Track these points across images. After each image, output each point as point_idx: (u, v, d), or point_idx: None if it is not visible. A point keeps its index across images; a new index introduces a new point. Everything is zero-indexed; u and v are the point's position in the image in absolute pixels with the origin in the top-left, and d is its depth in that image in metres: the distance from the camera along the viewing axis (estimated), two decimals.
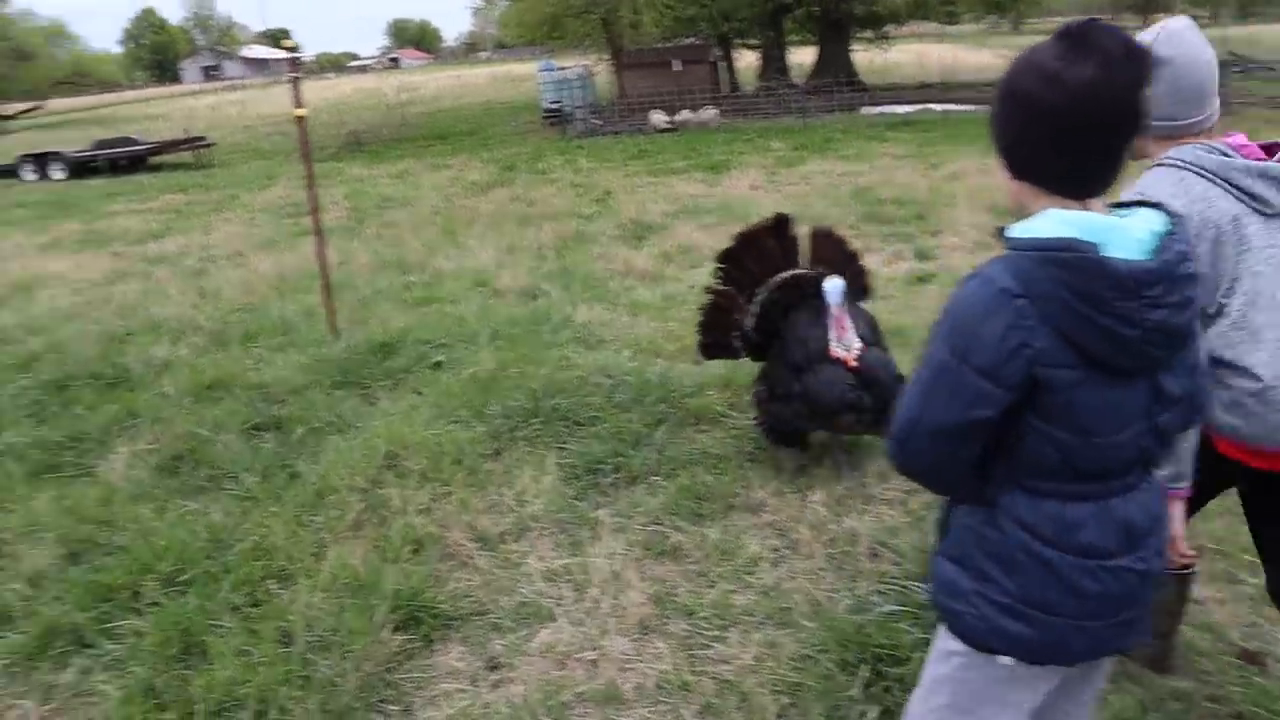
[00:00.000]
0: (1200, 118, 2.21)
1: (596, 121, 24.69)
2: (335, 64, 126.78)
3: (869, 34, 32.29)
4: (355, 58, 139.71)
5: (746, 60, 33.14)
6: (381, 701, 3.03)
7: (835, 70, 28.25)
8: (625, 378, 4.99)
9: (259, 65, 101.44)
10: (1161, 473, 1.81)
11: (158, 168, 23.29)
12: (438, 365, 5.53)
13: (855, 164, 14.33)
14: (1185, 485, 2.16)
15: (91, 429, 4.98)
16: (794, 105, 23.39)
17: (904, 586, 3.28)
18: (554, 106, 24.93)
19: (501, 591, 3.51)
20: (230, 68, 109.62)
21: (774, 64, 29.44)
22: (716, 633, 3.19)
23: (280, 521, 3.87)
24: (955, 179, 11.94)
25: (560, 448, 4.46)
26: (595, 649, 3.18)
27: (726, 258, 4.45)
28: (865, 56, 31.65)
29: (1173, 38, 2.17)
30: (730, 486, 4.05)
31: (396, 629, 3.26)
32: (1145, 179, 2.19)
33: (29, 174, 22.43)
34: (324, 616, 3.29)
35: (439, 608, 3.37)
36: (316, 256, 6.19)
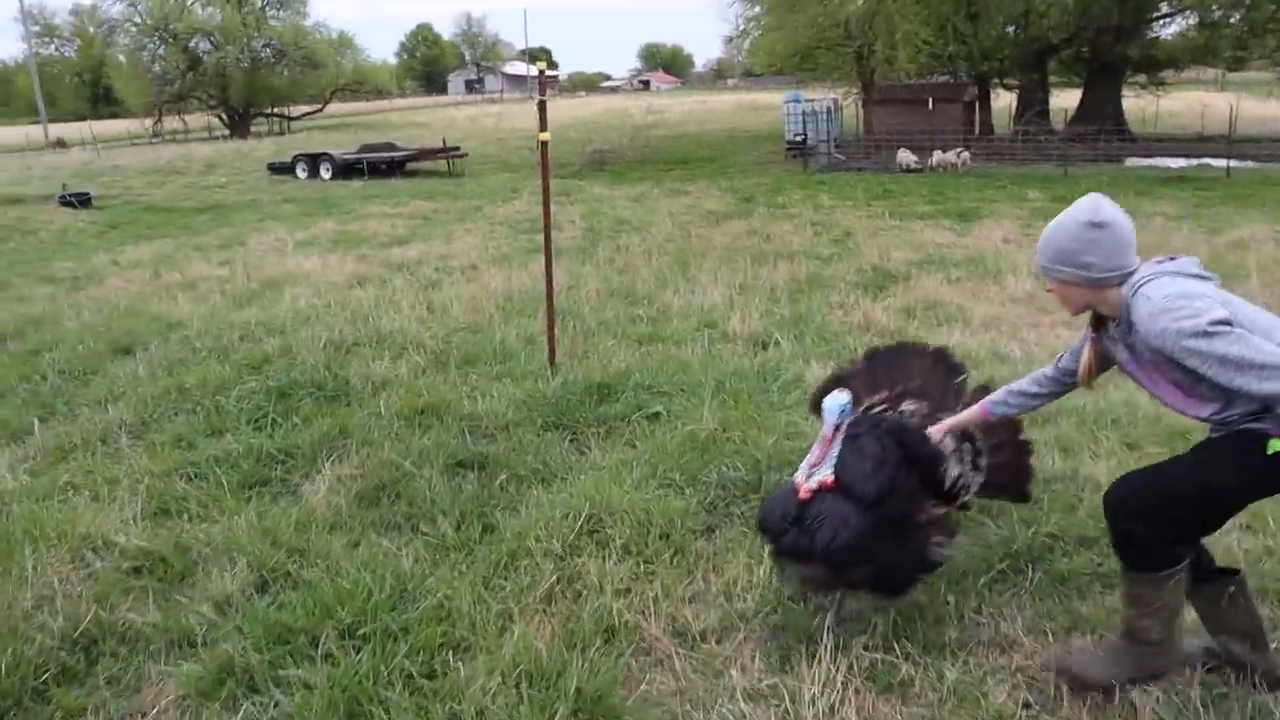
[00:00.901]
0: (1135, 258, 2.68)
1: (840, 156, 24.04)
2: (588, 83, 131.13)
3: (1142, 78, 30.02)
4: (607, 78, 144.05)
5: (1003, 101, 31.53)
6: None
7: (1101, 117, 26.36)
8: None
9: (518, 81, 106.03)
10: None
11: (413, 173, 24.48)
12: (655, 416, 5.16)
13: None
14: None
15: (304, 444, 4.92)
16: (1053, 152, 21.93)
17: None
18: (798, 139, 24.43)
19: (697, 705, 3.06)
20: (491, 82, 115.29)
21: (1033, 106, 27.82)
22: None
23: (468, 582, 3.59)
24: (1242, 247, 10.61)
25: None
26: None
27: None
28: (1136, 103, 29.43)
29: (1101, 206, 2.67)
30: (973, 611, 3.45)
31: None
32: (1162, 284, 2.58)
33: (301, 172, 24.09)
34: (499, 708, 2.94)
35: (627, 714, 2.96)
36: (545, 285, 5.97)
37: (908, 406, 3.63)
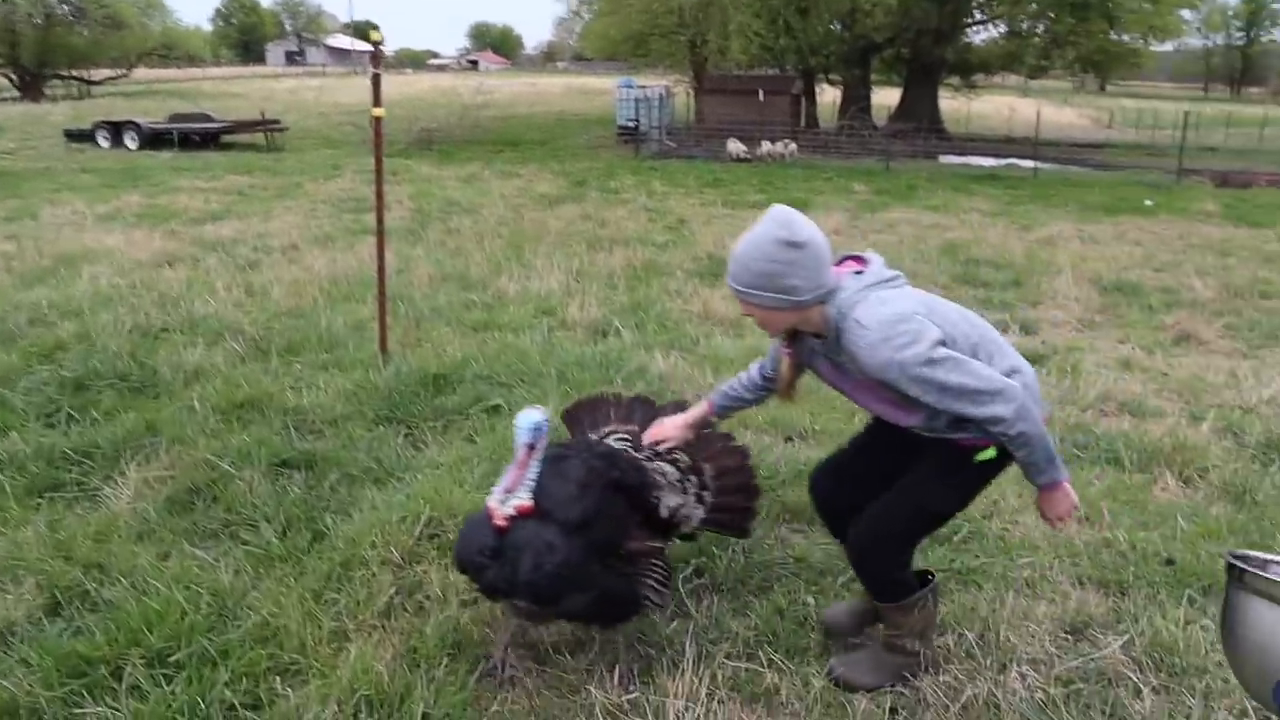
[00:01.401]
0: (833, 272, 2.55)
1: (671, 144, 24.16)
2: (415, 60, 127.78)
3: (956, 80, 31.56)
4: (436, 56, 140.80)
5: (828, 96, 32.47)
6: None
7: (919, 115, 27.56)
8: None
9: (341, 55, 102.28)
10: None
11: (229, 146, 23.14)
12: (495, 409, 4.88)
13: (942, 216, 13.61)
14: None
15: (104, 443, 4.40)
16: (875, 147, 22.71)
17: None
18: (630, 124, 24.41)
19: None
20: (313, 54, 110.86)
21: (857, 102, 28.79)
22: None
23: (296, 597, 3.25)
24: (1052, 244, 11.19)
25: None
26: None
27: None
28: (951, 104, 30.87)
29: (794, 222, 2.47)
30: None
31: None
32: (872, 308, 2.48)
33: (103, 141, 22.36)
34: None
35: None
36: (376, 268, 5.60)
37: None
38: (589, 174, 17.52)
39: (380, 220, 5.55)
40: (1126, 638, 3.27)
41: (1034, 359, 6.38)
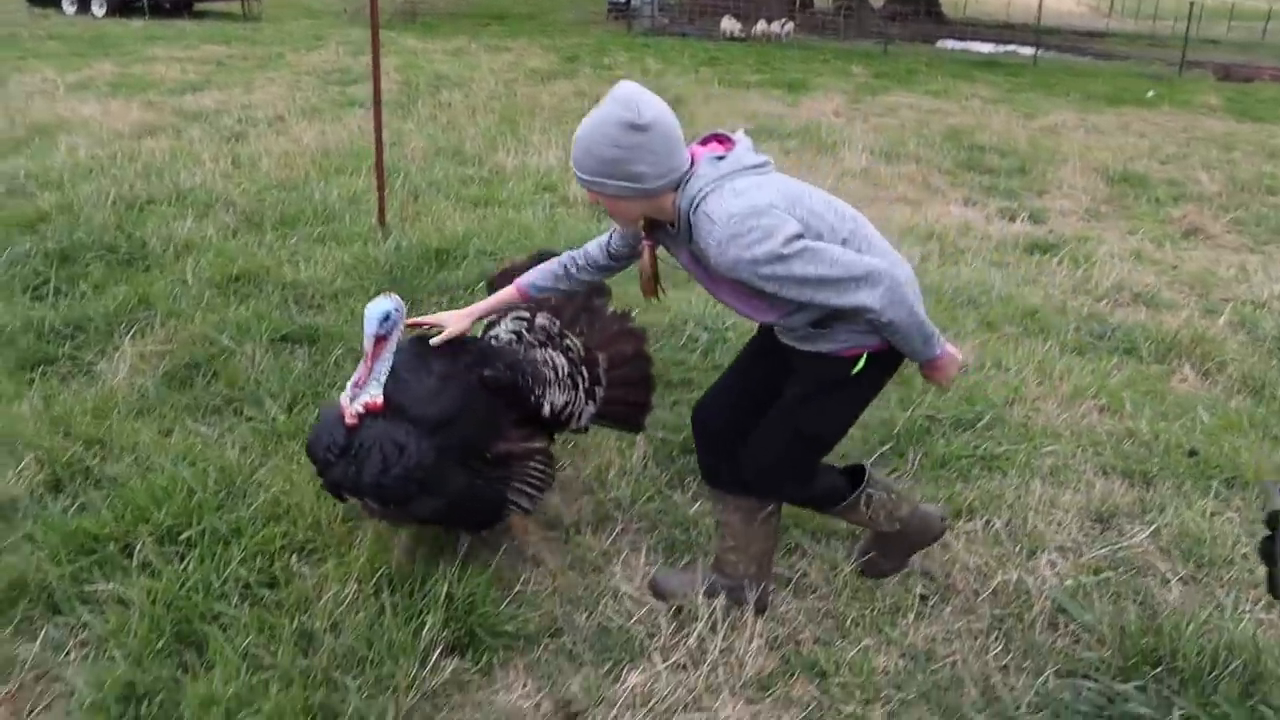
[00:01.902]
0: (686, 155, 2.30)
1: (664, 20, 23.42)
2: None
3: None
4: None
5: None
6: None
7: None
8: (725, 332, 4.19)
9: None
10: None
11: (202, 15, 22.24)
12: None
13: (943, 102, 13.27)
14: None
15: (96, 316, 4.24)
16: (873, 30, 22.09)
17: (1096, 679, 2.55)
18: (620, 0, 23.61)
19: (578, 606, 2.80)
20: None
21: None
22: (856, 709, 2.48)
23: (307, 474, 3.14)
24: (1055, 133, 10.94)
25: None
26: (701, 709, 2.47)
27: None
28: None
29: (640, 102, 2.21)
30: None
31: (449, 650, 2.55)
32: (725, 200, 2.22)
33: (69, 6, 21.38)
34: (358, 620, 2.58)
35: (501, 627, 2.66)
36: (369, 140, 5.36)
37: (541, 320, 3.08)
38: (580, 50, 16.95)
39: (377, 88, 5.29)
40: (1153, 528, 3.23)
41: (1043, 248, 6.27)
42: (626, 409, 3.18)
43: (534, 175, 7.17)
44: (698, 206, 2.26)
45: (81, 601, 2.71)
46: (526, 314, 3.10)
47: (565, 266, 2.73)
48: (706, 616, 2.71)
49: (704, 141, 2.38)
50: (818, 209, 2.32)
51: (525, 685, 2.55)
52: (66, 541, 2.84)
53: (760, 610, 2.77)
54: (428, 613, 2.57)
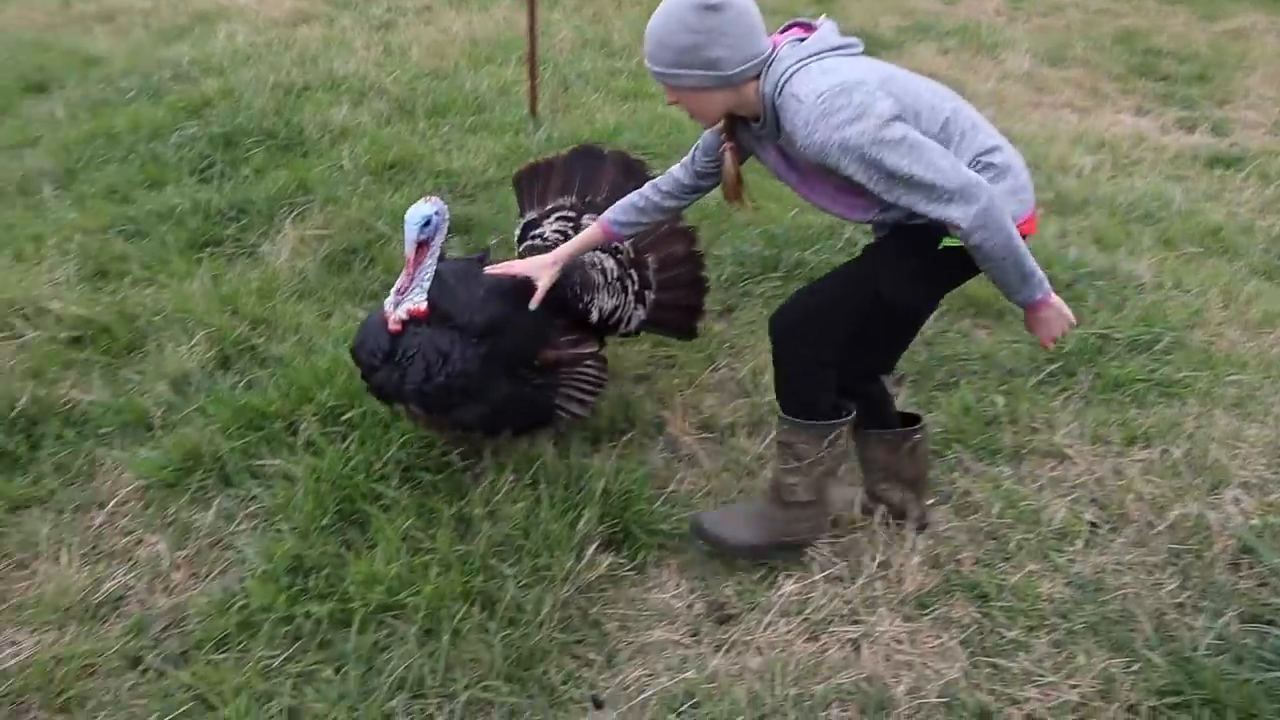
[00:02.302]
0: (767, 39, 2.14)
1: None
2: None
3: None
4: None
5: None
6: (578, 643, 2.35)
7: None
8: None
9: None
10: None
11: None
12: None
13: (1111, 1, 12.33)
14: None
15: (258, 199, 4.32)
16: None
17: None
18: None
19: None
20: None
21: None
22: (1019, 634, 2.38)
23: None
24: (1242, 37, 10.02)
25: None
26: (857, 623, 2.41)
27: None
28: None
29: None
30: (1025, 416, 3.14)
31: (604, 546, 2.54)
32: (813, 78, 2.05)
33: None
34: (515, 511, 2.59)
35: (656, 525, 2.64)
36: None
37: (588, 221, 2.90)
38: None
39: None
40: None
41: (1226, 162, 5.78)
42: (678, 313, 3.08)
43: None
44: (783, 89, 2.08)
45: (251, 475, 2.81)
46: (572, 214, 3.00)
47: (647, 196, 2.59)
48: (865, 529, 2.64)
49: (784, 30, 2.21)
50: (914, 87, 2.16)
51: (678, 585, 2.54)
52: (236, 417, 2.94)
53: (921, 528, 2.67)
54: (584, 507, 2.57)
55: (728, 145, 2.33)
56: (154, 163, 4.76)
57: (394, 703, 2.16)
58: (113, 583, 2.53)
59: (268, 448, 2.87)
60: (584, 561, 2.46)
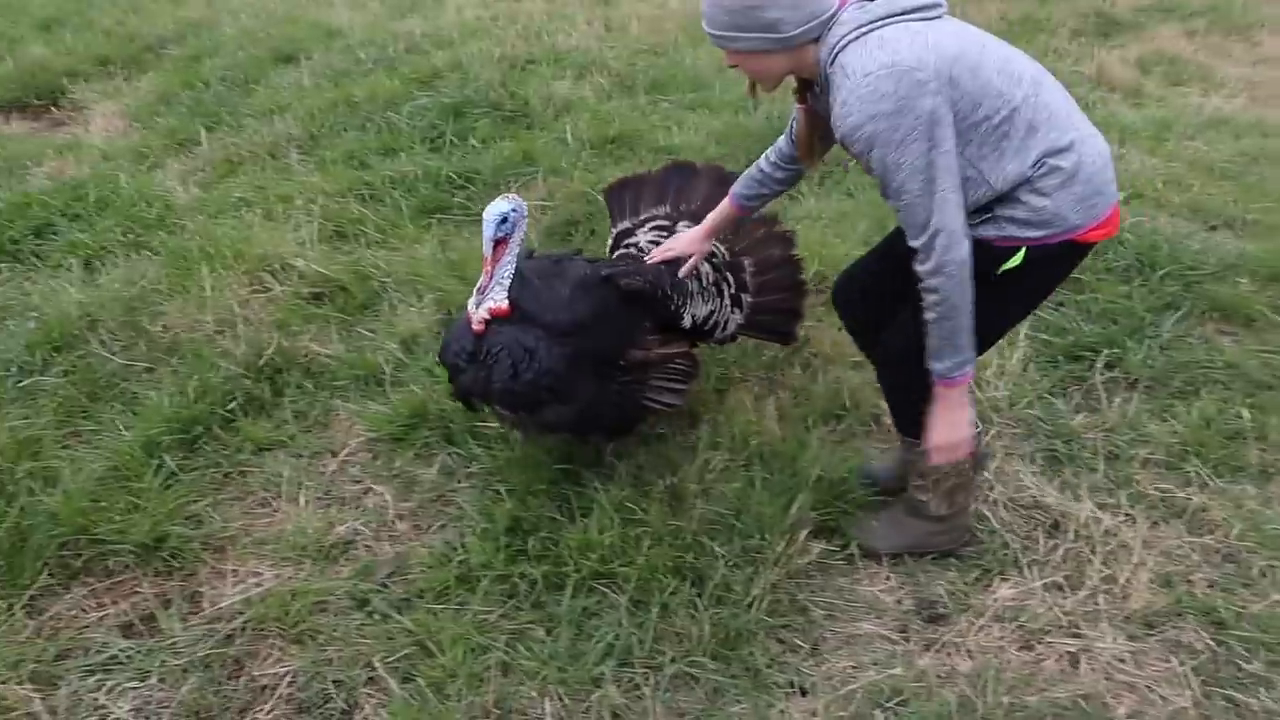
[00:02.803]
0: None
1: None
2: None
3: None
4: None
5: None
6: (785, 628, 2.33)
7: None
8: (1124, 234, 3.76)
9: None
10: None
11: None
12: None
13: None
14: None
15: (484, 169, 4.47)
16: None
17: None
18: None
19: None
20: None
21: None
22: (1260, 669, 2.20)
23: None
24: None
25: (1033, 315, 3.41)
26: (1076, 636, 2.30)
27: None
28: None
29: None
30: (1276, 432, 2.89)
31: (815, 533, 2.51)
32: (868, 51, 1.91)
33: None
34: (729, 492, 2.59)
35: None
36: None
37: (683, 226, 2.88)
38: None
39: None
40: None
41: None
42: (776, 317, 2.95)
43: None
44: (836, 57, 1.97)
45: (472, 436, 2.92)
46: (667, 222, 2.92)
47: (761, 168, 2.55)
48: (1086, 534, 2.50)
49: None
50: (987, 68, 1.96)
51: (888, 579, 2.49)
52: None
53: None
54: (797, 491, 2.54)
55: (799, 107, 2.26)
56: (389, 131, 5.00)
57: (602, 668, 2.21)
58: (343, 527, 2.70)
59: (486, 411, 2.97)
60: (795, 546, 2.43)
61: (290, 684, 2.27)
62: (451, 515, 2.70)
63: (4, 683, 2.24)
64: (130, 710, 2.22)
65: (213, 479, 2.89)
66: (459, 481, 2.82)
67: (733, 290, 2.86)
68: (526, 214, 2.47)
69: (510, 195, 2.49)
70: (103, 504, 2.73)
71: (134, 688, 2.28)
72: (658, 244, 2.83)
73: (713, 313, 2.78)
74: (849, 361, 3.14)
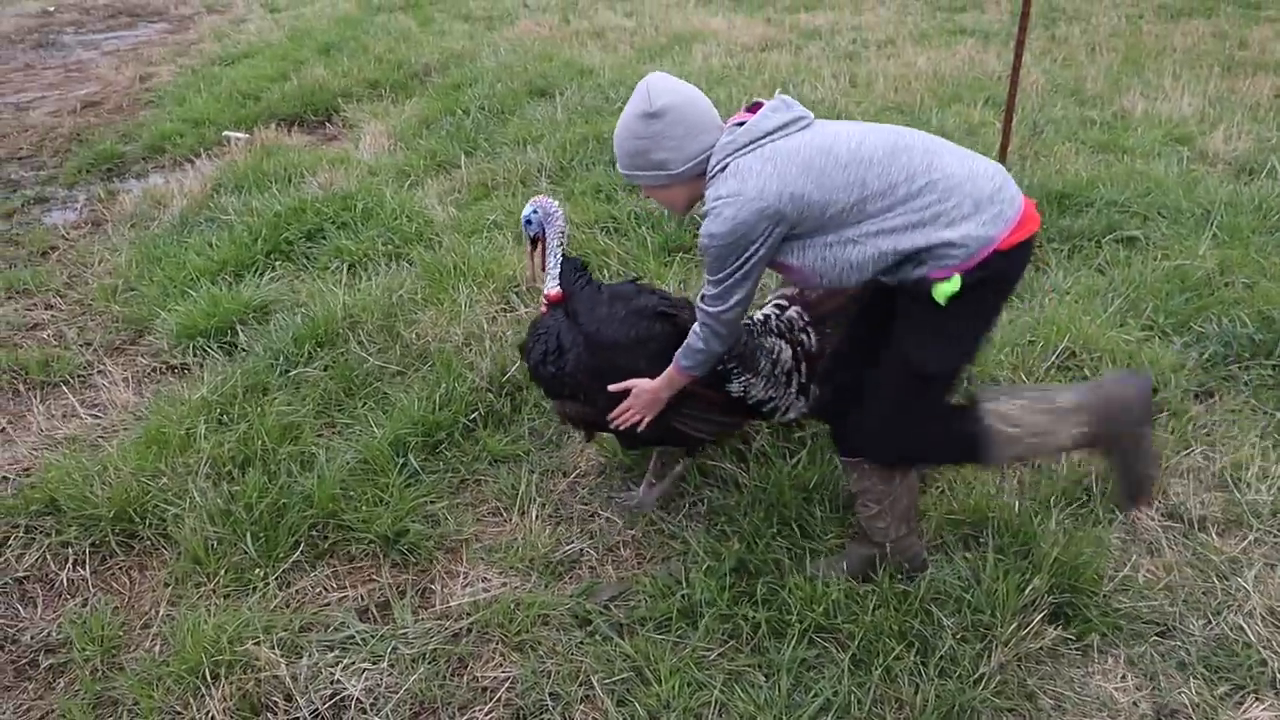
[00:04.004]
0: (718, 131, 2.27)
1: None
2: None
3: None
4: None
5: None
6: (1010, 710, 2.24)
7: None
8: None
9: None
10: None
11: None
12: (1129, 242, 4.32)
13: None
14: None
15: None
16: None
17: None
18: None
19: (1195, 610, 2.50)
20: None
21: None
22: None
23: None
24: None
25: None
26: None
27: None
28: None
29: (653, 92, 2.25)
30: None
31: (1050, 617, 2.41)
32: (724, 182, 2.19)
33: None
34: (959, 559, 2.52)
35: (1110, 601, 2.46)
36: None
37: (791, 312, 2.90)
38: None
39: (1024, 21, 4.99)
40: None
41: None
42: None
43: (1165, 124, 6.43)
44: (710, 182, 2.25)
45: (700, 474, 2.96)
46: (786, 302, 2.93)
47: None
48: None
49: (741, 113, 2.30)
50: (836, 170, 2.13)
51: (1124, 678, 2.35)
52: None
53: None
54: (1033, 572, 2.44)
55: None
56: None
57: None
58: (570, 546, 2.78)
59: (719, 450, 3.00)
60: (1028, 629, 2.34)
61: (510, 689, 2.35)
62: (676, 549, 2.74)
63: (256, 644, 2.42)
64: (362, 689, 2.35)
65: (451, 483, 3.05)
66: (683, 516, 2.86)
67: (802, 380, 2.83)
68: (555, 211, 2.72)
69: (535, 199, 2.75)
70: (351, 493, 2.92)
71: (366, 668, 2.41)
72: (765, 319, 2.89)
73: (772, 399, 2.79)
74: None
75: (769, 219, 2.13)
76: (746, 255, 2.17)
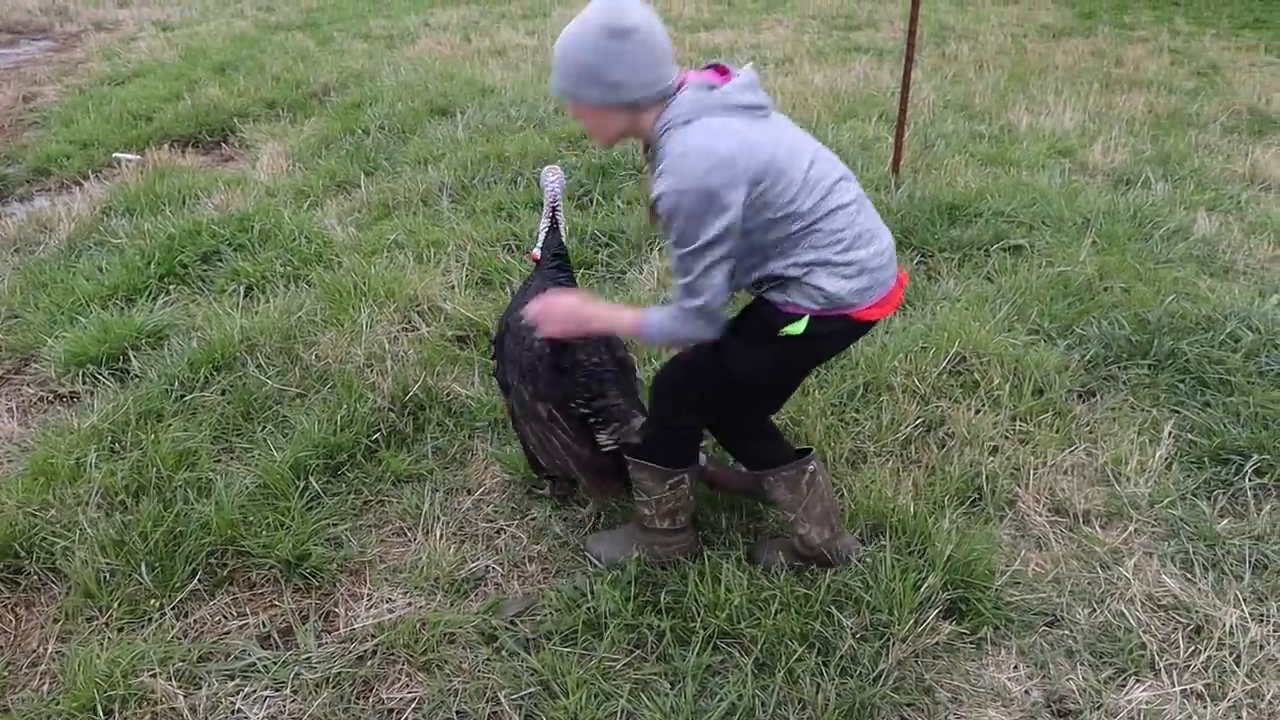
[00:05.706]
0: (676, 70, 2.16)
1: None
2: None
3: None
4: None
5: None
6: (909, 705, 2.30)
7: None
8: (1278, 336, 3.66)
9: None
10: None
11: None
12: (1016, 250, 4.49)
13: None
14: None
15: (629, 229, 4.58)
16: None
17: None
18: None
19: (1081, 600, 2.60)
20: None
21: None
22: None
23: (818, 407, 3.20)
24: None
25: (1176, 412, 3.33)
26: None
27: None
28: None
29: (624, 8, 2.06)
30: None
31: (945, 613, 2.48)
32: (693, 133, 2.06)
33: None
34: (861, 565, 2.58)
35: (1002, 595, 2.55)
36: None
37: None
38: (1098, 6, 15.58)
39: (912, 39, 5.16)
40: None
41: None
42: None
43: (1048, 138, 6.70)
44: (668, 129, 2.12)
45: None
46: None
47: None
48: (1228, 643, 2.41)
49: (704, 69, 2.21)
50: (791, 173, 2.10)
51: (1016, 668, 2.43)
52: None
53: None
54: (929, 570, 2.52)
55: (648, 166, 2.34)
56: (538, 187, 5.18)
57: None
58: (475, 563, 2.77)
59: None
60: (924, 625, 2.41)
61: (416, 710, 2.33)
62: (580, 563, 2.75)
63: (152, 676, 2.36)
64: (264, 717, 2.31)
65: (353, 505, 3.02)
66: (588, 531, 2.87)
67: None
68: (550, 181, 2.77)
69: (553, 166, 2.82)
70: (251, 518, 2.87)
71: (269, 696, 2.37)
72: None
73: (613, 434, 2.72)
74: (986, 445, 3.11)
75: (735, 188, 2.03)
76: (720, 226, 2.04)
